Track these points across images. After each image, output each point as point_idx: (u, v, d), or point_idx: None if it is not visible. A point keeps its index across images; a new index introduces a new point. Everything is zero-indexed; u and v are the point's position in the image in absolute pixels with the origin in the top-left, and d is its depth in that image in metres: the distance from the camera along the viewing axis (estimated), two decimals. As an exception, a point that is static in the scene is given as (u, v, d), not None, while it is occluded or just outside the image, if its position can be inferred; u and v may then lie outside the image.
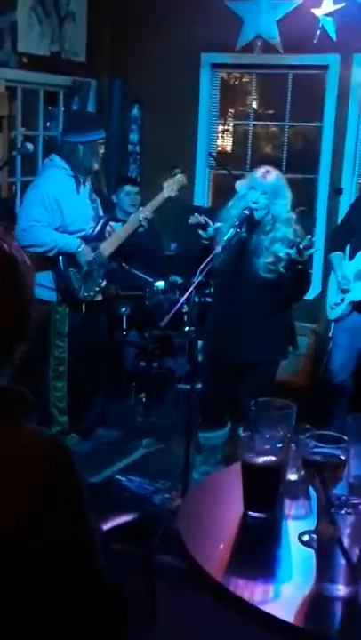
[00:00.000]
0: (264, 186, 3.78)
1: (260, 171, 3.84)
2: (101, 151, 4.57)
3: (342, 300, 4.59)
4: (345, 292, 4.56)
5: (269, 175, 3.82)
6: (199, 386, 4.13)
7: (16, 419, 1.29)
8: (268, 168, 3.89)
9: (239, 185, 3.90)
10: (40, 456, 1.27)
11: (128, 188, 5.59)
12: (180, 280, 5.31)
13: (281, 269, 3.78)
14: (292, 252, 3.62)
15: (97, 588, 1.31)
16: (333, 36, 5.65)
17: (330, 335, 4.85)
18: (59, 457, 1.29)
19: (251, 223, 3.79)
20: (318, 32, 5.64)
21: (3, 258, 1.28)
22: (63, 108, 6.28)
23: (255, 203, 3.77)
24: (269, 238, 3.79)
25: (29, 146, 4.79)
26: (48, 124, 6.27)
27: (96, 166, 4.51)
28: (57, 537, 1.25)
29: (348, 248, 4.73)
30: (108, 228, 4.63)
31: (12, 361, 1.33)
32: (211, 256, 3.65)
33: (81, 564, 1.28)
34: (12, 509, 1.21)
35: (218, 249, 3.68)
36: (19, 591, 1.24)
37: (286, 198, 3.86)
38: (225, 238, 3.69)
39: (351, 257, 4.64)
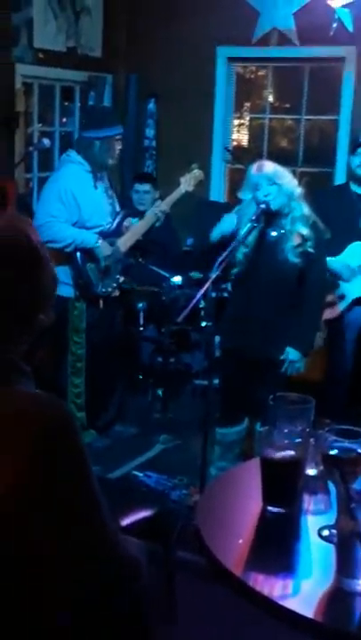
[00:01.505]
0: (266, 177, 3.74)
1: (253, 170, 3.79)
2: (118, 147, 4.54)
3: (342, 296, 4.44)
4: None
5: (264, 166, 3.80)
6: (216, 381, 4.11)
7: (4, 379, 1.30)
8: (256, 164, 3.84)
9: (242, 194, 3.86)
10: (37, 414, 1.27)
11: (137, 186, 5.54)
12: (198, 276, 5.29)
13: (309, 249, 3.76)
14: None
15: (104, 546, 1.30)
16: (350, 28, 5.61)
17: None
18: (57, 414, 1.29)
19: (268, 215, 3.77)
20: (335, 24, 5.60)
21: (28, 248, 1.38)
22: (79, 104, 6.28)
23: (267, 195, 3.73)
24: (289, 219, 3.77)
25: (46, 141, 4.79)
26: (64, 119, 6.28)
27: (111, 161, 4.50)
28: (58, 493, 1.25)
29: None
30: (125, 223, 4.63)
31: (32, 331, 1.39)
32: (228, 251, 3.63)
33: (86, 523, 1.28)
34: (11, 466, 1.22)
35: (234, 244, 3.67)
36: (20, 546, 1.24)
37: (289, 175, 3.85)
38: (242, 233, 3.68)
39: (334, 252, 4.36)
